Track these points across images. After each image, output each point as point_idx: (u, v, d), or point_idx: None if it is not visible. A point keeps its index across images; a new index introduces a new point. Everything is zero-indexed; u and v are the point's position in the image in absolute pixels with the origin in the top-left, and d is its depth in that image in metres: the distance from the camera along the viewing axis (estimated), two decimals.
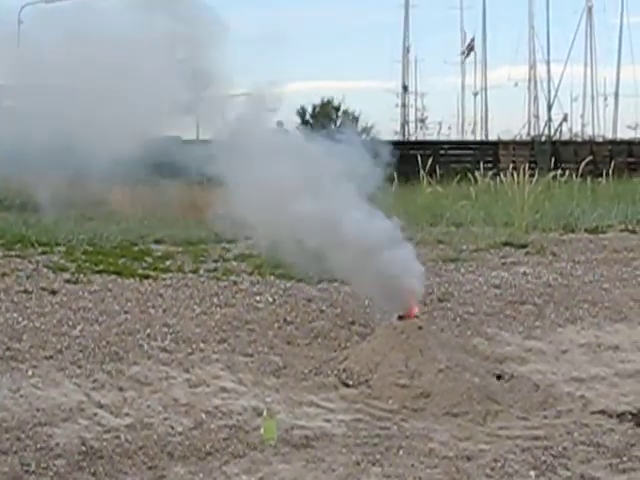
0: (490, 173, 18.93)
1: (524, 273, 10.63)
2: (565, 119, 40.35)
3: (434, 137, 40.44)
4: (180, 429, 5.97)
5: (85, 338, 7.52)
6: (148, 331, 7.80)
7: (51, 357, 7.07)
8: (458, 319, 8.72)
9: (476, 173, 18.56)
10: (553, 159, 23.82)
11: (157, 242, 11.59)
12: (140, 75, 7.13)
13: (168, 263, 10.42)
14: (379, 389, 6.78)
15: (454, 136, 42.51)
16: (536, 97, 43.91)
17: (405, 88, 43.95)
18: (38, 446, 5.57)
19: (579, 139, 36.22)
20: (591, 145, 31.28)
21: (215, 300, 8.86)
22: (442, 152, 29.06)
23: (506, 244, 12.45)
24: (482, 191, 17.63)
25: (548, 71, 44.34)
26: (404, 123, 43.75)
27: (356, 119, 25.92)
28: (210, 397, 6.57)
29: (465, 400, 6.53)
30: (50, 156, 6.95)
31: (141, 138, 7.11)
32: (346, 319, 8.44)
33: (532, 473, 5.42)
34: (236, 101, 8.04)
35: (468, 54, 43.11)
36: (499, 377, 7.05)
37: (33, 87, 7.26)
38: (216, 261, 10.66)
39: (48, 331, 7.62)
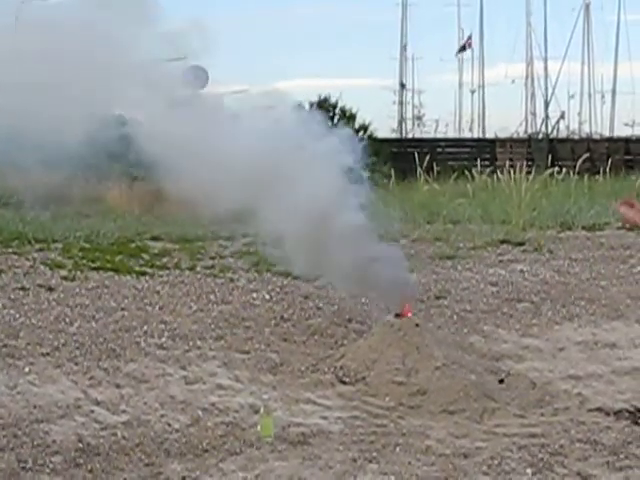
0: (487, 170, 18.94)
1: (521, 271, 10.63)
2: (562, 117, 40.28)
3: (431, 134, 40.34)
4: (177, 426, 5.97)
5: (82, 335, 7.53)
6: (145, 328, 7.80)
7: (48, 354, 7.07)
8: (455, 317, 8.73)
9: (473, 170, 18.56)
10: (550, 157, 23.74)
11: (154, 239, 11.57)
12: (76, 60, 7.06)
13: (165, 260, 10.40)
14: (376, 386, 6.78)
15: (451, 133, 42.35)
16: (533, 94, 43.79)
17: (402, 85, 43.84)
18: (35, 443, 5.57)
19: (576, 136, 36.10)
20: (588, 142, 31.26)
21: (212, 297, 8.85)
22: (439, 149, 29.10)
23: (503, 242, 12.43)
24: (479, 189, 17.64)
25: (545, 68, 44.21)
26: (401, 120, 43.63)
27: (353, 116, 25.81)
28: (207, 394, 6.58)
29: (462, 397, 6.53)
30: None
31: (82, 122, 7.03)
32: (343, 316, 8.44)
33: (529, 471, 5.42)
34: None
35: (462, 50, 42.96)
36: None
37: None
38: (213, 258, 10.65)
39: (45, 328, 7.62)
